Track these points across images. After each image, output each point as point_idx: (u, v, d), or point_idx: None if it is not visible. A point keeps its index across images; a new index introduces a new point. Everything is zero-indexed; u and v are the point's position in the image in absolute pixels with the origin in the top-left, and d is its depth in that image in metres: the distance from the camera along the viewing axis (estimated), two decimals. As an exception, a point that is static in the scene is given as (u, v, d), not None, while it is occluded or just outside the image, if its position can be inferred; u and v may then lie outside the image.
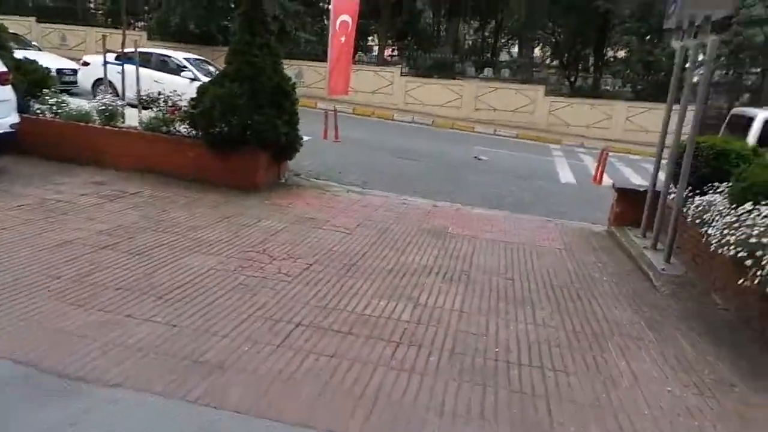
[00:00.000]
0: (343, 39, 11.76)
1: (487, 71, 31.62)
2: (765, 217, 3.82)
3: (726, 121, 12.31)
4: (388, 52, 34.36)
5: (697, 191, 5.51)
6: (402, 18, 29.98)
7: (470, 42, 41.77)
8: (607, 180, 11.67)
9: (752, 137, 10.61)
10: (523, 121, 20.05)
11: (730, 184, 5.22)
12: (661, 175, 6.32)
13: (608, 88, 25.25)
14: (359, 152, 11.54)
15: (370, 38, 36.35)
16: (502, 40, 40.08)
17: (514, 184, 10.26)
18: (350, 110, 19.17)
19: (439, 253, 5.37)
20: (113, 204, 5.69)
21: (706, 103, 5.10)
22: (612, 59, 27.44)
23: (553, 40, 29.53)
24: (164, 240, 4.78)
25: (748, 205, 4.08)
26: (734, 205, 4.30)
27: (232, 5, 22.92)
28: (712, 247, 4.13)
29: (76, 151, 6.98)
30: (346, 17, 11.72)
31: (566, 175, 12.41)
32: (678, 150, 5.70)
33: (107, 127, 7.03)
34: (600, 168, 11.80)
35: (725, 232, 3.93)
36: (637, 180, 12.82)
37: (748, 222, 3.80)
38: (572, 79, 26.00)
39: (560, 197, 9.56)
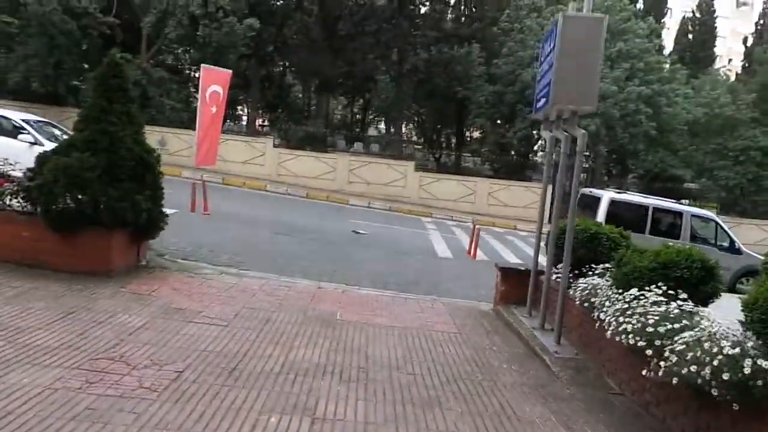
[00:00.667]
0: (214, 109, 11.22)
1: (357, 145, 32.67)
2: (654, 303, 3.93)
3: (578, 200, 13.65)
4: (258, 122, 34.10)
5: (576, 271, 5.72)
6: (272, 91, 30.09)
7: (339, 116, 43.27)
8: (480, 254, 12.16)
9: (601, 215, 11.83)
10: (395, 194, 20.62)
11: (608, 266, 5.51)
12: (540, 256, 6.53)
13: (469, 165, 27.28)
14: (232, 227, 10.72)
15: (239, 107, 35.90)
16: (370, 116, 42.09)
17: (396, 260, 10.15)
18: (220, 180, 18.22)
19: (330, 345, 4.83)
20: None
21: (579, 186, 5.35)
22: (470, 139, 29.96)
23: (417, 119, 31.50)
24: (-22, 351, 3.67)
25: (634, 291, 4.19)
26: (620, 291, 4.41)
27: (85, 65, 21.23)
28: (608, 334, 4.14)
29: None
30: (216, 88, 11.26)
31: (442, 249, 12.68)
32: (557, 232, 5.90)
33: None
34: (473, 243, 12.24)
35: (620, 319, 3.96)
36: (507, 253, 13.54)
37: (639, 309, 3.87)
38: (437, 155, 27.72)
39: (441, 273, 9.59)
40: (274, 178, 20.53)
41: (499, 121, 30.28)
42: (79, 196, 5.30)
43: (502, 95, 25.36)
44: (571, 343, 5.47)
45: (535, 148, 25.74)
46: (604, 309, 4.39)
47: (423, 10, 22.13)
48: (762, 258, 12.66)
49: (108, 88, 5.58)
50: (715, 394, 3.00)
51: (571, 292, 5.46)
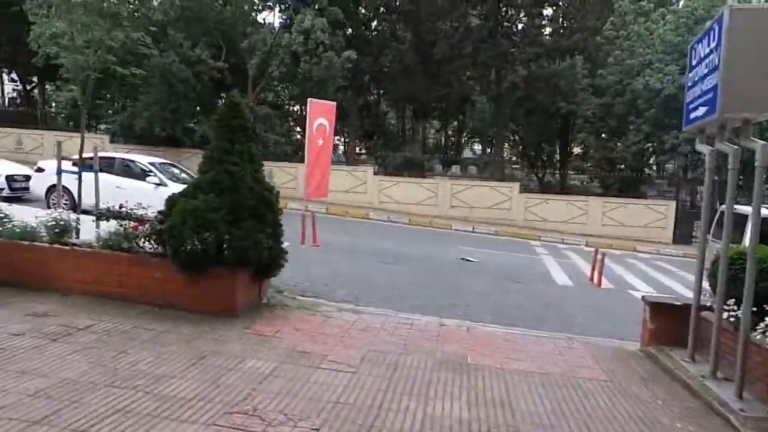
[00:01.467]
0: (320, 142, 11.31)
1: (454, 168, 32.21)
2: None
3: (716, 218, 12.11)
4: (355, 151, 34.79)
5: (754, 309, 4.78)
6: (369, 119, 30.58)
7: (434, 140, 43.13)
8: (604, 281, 11.09)
9: (747, 236, 10.34)
10: (500, 217, 19.80)
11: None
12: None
13: (575, 183, 25.72)
14: (342, 258, 10.63)
15: (336, 137, 36.96)
16: (465, 138, 41.50)
17: (514, 290, 9.46)
18: (324, 210, 18.50)
19: (469, 396, 4.33)
20: (57, 346, 4.49)
21: (759, 205, 4.48)
22: (576, 155, 28.33)
23: (517, 138, 30.41)
24: (121, 402, 3.60)
25: None
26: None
27: (198, 108, 22.79)
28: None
29: (14, 271, 5.82)
30: (323, 120, 11.36)
31: (560, 276, 11.74)
32: (727, 262, 5.01)
33: (56, 246, 5.93)
34: (598, 269, 11.19)
35: None
36: (633, 279, 12.31)
37: None
38: (540, 175, 26.45)
39: (566, 305, 8.75)
40: (376, 205, 20.55)
41: (604, 135, 28.49)
42: (205, 237, 5.29)
43: (609, 107, 23.77)
44: (756, 397, 4.53)
45: (650, 161, 23.69)
46: (820, 362, 3.50)
47: (520, 26, 21.39)
48: None
49: (230, 129, 5.61)
50: None
51: (754, 335, 4.54)
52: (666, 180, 24.32)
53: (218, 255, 5.53)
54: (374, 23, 24.43)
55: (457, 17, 20.84)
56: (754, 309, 4.76)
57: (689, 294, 11.26)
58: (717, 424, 4.23)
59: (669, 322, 5.89)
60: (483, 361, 5.23)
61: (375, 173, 21.80)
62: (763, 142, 4.50)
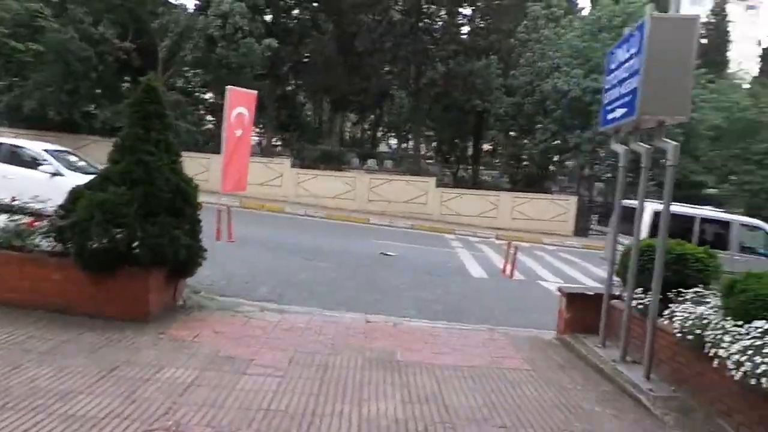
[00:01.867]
0: (239, 132, 10.79)
1: (371, 162, 32.36)
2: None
3: (616, 212, 13.04)
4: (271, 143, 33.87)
5: (660, 297, 5.16)
6: (286, 110, 29.85)
7: (350, 134, 43.03)
8: (517, 274, 11.58)
9: (644, 228, 11.22)
10: (417, 211, 20.13)
11: (700, 291, 4.95)
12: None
13: (487, 178, 26.76)
14: (261, 254, 10.25)
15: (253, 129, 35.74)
16: (380, 132, 41.82)
17: (434, 284, 9.60)
18: (238, 203, 17.80)
19: (402, 395, 4.29)
20: (-70, 361, 3.89)
21: (669, 202, 4.82)
22: (487, 152, 29.46)
23: (433, 133, 31.07)
24: (18, 427, 3.16)
25: (761, 323, 3.64)
26: (740, 323, 3.86)
27: (99, 90, 21.06)
28: (737, 375, 3.57)
29: None
30: (242, 110, 10.83)
31: (476, 269, 12.11)
32: (638, 253, 5.36)
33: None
34: (510, 261, 11.67)
35: (757, 359, 3.40)
36: (541, 270, 12.96)
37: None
38: (454, 170, 27.23)
39: (483, 297, 9.02)
40: (293, 199, 20.13)
41: (513, 133, 29.87)
42: (116, 234, 4.82)
43: (520, 106, 24.95)
44: (662, 378, 4.88)
45: (555, 159, 25.17)
46: (723, 345, 3.82)
47: (440, 23, 21.79)
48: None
49: (145, 115, 5.15)
50: None
51: (660, 321, 4.90)
52: (567, 176, 25.96)
53: (129, 253, 5.07)
54: (296, 11, 23.79)
55: (380, 11, 20.83)
56: (660, 297, 5.15)
57: (591, 283, 12.10)
58: (630, 405, 4.51)
59: (583, 311, 6.23)
60: (412, 357, 5.22)
61: (292, 166, 21.34)
62: (674, 143, 4.83)
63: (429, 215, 20.15)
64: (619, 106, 5.37)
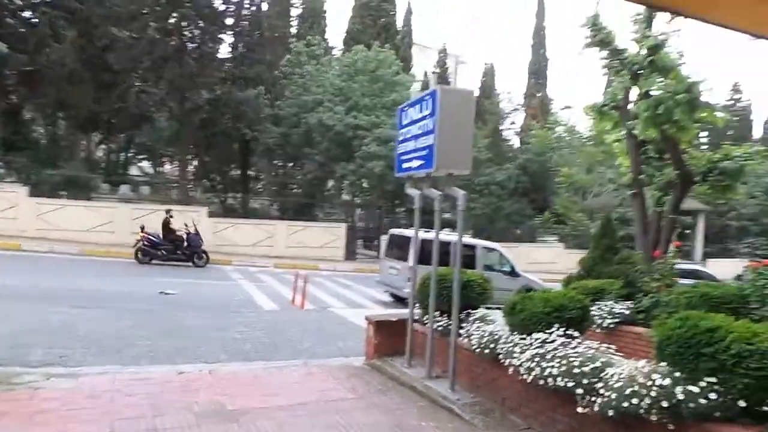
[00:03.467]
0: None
1: (124, 188, 29.25)
2: (561, 345, 4.51)
3: (388, 239, 14.58)
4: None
5: (446, 317, 6.19)
6: (11, 127, 24.89)
7: (96, 157, 38.01)
8: (307, 303, 11.98)
9: (412, 254, 12.85)
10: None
11: (481, 313, 6.07)
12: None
13: (257, 206, 26.72)
14: (13, 307, 8.51)
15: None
16: (131, 155, 38.06)
17: (231, 321, 9.35)
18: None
19: (250, 445, 4.24)
20: None
21: (461, 237, 5.84)
22: (257, 179, 29.46)
23: (199, 160, 29.63)
24: None
25: (539, 335, 4.74)
26: (523, 335, 4.93)
27: None
28: (528, 378, 4.57)
29: None
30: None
31: (265, 301, 12.14)
32: (437, 281, 6.27)
33: None
34: (301, 292, 12.01)
35: (543, 365, 4.42)
36: (327, 296, 13.64)
37: (560, 353, 4.40)
38: (222, 198, 26.47)
39: (287, 330, 9.15)
40: (33, 234, 16.96)
41: (279, 162, 30.60)
42: None
43: (287, 137, 25.76)
44: (463, 387, 5.80)
45: (323, 188, 26.65)
46: (515, 355, 4.82)
47: (207, 50, 21.12)
48: (533, 279, 15.21)
49: None
50: (655, 419, 3.59)
51: (461, 340, 5.84)
52: (335, 204, 27.72)
53: None
54: (28, 14, 20.19)
55: (137, 28, 19.18)
56: (447, 317, 6.14)
57: (371, 304, 13.28)
58: (446, 416, 5.26)
59: (389, 335, 6.95)
60: (243, 404, 5.13)
61: (30, 195, 17.98)
62: (463, 191, 5.87)
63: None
64: (415, 158, 6.24)
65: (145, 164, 43.37)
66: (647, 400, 3.60)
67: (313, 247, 21.21)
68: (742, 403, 3.32)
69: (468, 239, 14.31)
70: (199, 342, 7.65)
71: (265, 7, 28.17)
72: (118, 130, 27.99)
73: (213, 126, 22.99)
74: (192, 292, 12.12)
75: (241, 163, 27.33)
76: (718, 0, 2.39)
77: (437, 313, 6.34)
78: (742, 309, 5.84)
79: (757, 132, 47.98)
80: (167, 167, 43.78)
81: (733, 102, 45.72)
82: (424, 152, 5.95)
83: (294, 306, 11.89)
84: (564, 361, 4.30)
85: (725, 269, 26.16)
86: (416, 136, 6.18)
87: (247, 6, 24.31)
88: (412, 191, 6.81)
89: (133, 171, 40.37)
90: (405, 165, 6.57)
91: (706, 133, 26.82)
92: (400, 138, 6.74)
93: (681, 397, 3.48)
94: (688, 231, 26.41)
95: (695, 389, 3.43)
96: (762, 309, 5.45)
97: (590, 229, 28.43)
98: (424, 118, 5.97)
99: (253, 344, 7.84)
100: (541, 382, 4.43)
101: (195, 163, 28.71)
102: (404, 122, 6.63)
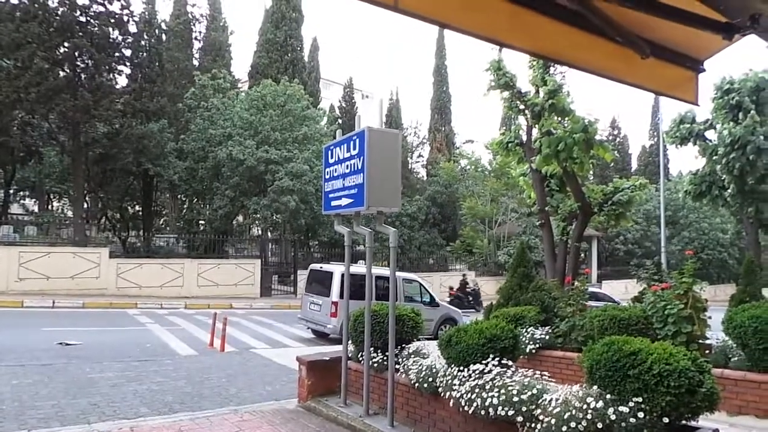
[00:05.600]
0: None
1: (6, 229, 26.50)
2: (498, 375, 4.73)
3: (308, 275, 14.39)
4: None
5: (380, 352, 6.28)
6: None
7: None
8: (227, 346, 11.46)
9: (335, 288, 12.81)
10: (87, 287, 17.53)
11: (418, 346, 6.20)
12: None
13: (162, 244, 25.29)
14: None
15: None
16: (12, 192, 34.60)
17: (147, 370, 8.73)
18: None
19: (191, 507, 3.98)
20: None
21: (394, 272, 5.98)
22: (161, 216, 27.92)
23: (96, 197, 27.62)
24: None
25: (477, 366, 4.93)
26: (461, 367, 5.10)
27: None
28: (469, 410, 4.72)
29: None
30: None
31: (180, 346, 11.45)
32: (369, 318, 6.32)
33: None
34: (220, 333, 11.48)
35: (484, 395, 4.60)
36: (244, 336, 13.14)
37: (498, 382, 4.61)
38: (123, 237, 24.77)
39: (209, 377, 8.68)
40: None
41: (183, 198, 29.29)
42: None
43: (194, 171, 24.84)
44: (402, 422, 5.85)
45: (234, 223, 25.83)
46: (455, 387, 4.97)
47: (102, 81, 19.89)
48: (452, 308, 15.74)
49: None
50: (592, 441, 3.87)
51: (398, 375, 5.91)
52: (246, 240, 26.93)
53: None
54: None
55: (23, 57, 17.71)
56: (380, 352, 6.21)
57: (292, 342, 13.00)
58: (389, 455, 5.27)
59: (322, 376, 6.85)
60: (177, 463, 4.81)
61: None
62: (393, 229, 6.03)
63: (103, 290, 17.78)
64: (344, 197, 6.30)
65: (29, 202, 39.63)
66: (584, 423, 3.87)
67: (226, 285, 20.40)
68: (665, 420, 3.68)
69: (386, 271, 14.51)
70: (114, 397, 7.05)
71: (164, 38, 27.27)
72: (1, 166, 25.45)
73: (112, 161, 21.61)
74: (96, 341, 11.16)
75: (143, 200, 25.86)
76: (588, 52, 2.79)
77: (372, 348, 6.38)
78: (645, 329, 6.50)
79: (633, 164, 53.69)
80: (55, 205, 40.30)
81: (613, 137, 50.86)
82: (353, 191, 6.04)
83: (212, 349, 11.32)
84: (503, 390, 4.51)
85: (618, 289, 28.68)
86: (344, 175, 6.27)
87: (146, 39, 23.44)
88: (341, 228, 6.86)
89: (16, 209, 36.74)
90: (334, 203, 6.60)
91: (592, 167, 29.60)
92: (327, 176, 6.79)
93: (613, 417, 3.78)
94: (583, 256, 28.65)
95: (625, 409, 3.76)
96: (664, 329, 6.08)
97: (497, 257, 30.03)
98: (352, 157, 6.08)
99: (175, 395, 7.36)
100: (483, 412, 4.60)
101: (88, 200, 26.70)
102: (330, 161, 6.70)
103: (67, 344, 10.60)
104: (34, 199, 37.99)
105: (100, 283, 17.89)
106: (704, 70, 3.06)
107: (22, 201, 38.56)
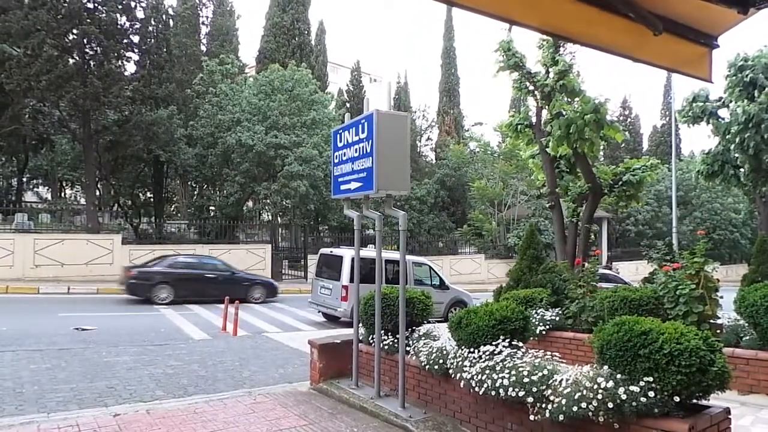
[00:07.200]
0: None
1: (20, 217, 26.86)
2: (508, 356, 4.76)
3: (318, 259, 14.46)
4: None
5: (390, 334, 6.33)
6: None
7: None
8: (240, 330, 11.60)
9: (345, 272, 12.86)
10: (101, 273, 17.76)
11: (429, 329, 6.23)
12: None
13: (174, 231, 25.49)
14: None
15: None
16: (25, 180, 34.99)
17: (162, 354, 8.88)
18: None
19: (208, 486, 4.07)
20: None
21: (404, 256, 5.99)
22: (172, 202, 28.11)
23: (108, 184, 27.84)
24: None
25: (487, 348, 4.96)
26: (471, 349, 5.13)
27: None
28: (480, 391, 4.76)
29: None
30: None
31: (194, 331, 11.61)
32: (380, 301, 6.35)
33: None
34: (232, 318, 11.62)
35: (494, 376, 4.63)
36: (257, 321, 13.28)
37: (509, 363, 4.63)
38: (135, 223, 24.99)
39: (223, 360, 8.81)
40: None
41: (193, 184, 29.43)
42: None
43: (203, 158, 24.91)
44: (413, 404, 5.92)
45: (244, 209, 25.94)
46: (465, 369, 5.00)
47: (113, 68, 19.95)
48: (461, 290, 15.74)
49: None
50: (602, 420, 3.89)
51: (409, 357, 5.95)
52: (256, 225, 27.04)
53: None
54: None
55: (32, 45, 17.76)
56: (391, 335, 6.26)
57: (303, 326, 13.11)
58: (401, 434, 5.34)
59: (334, 358, 6.92)
60: (193, 443, 4.91)
61: None
62: (402, 212, 6.03)
63: (116, 276, 17.98)
64: (354, 180, 6.29)
65: (42, 190, 40.05)
66: (594, 403, 3.89)
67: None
68: (676, 399, 3.69)
69: (396, 255, 14.54)
70: (130, 380, 7.19)
71: (171, 24, 27.16)
72: (14, 154, 25.70)
73: (122, 148, 21.72)
74: (111, 326, 11.36)
75: (154, 186, 26.02)
76: (598, 28, 2.74)
77: (383, 331, 6.43)
78: (656, 310, 6.48)
79: (644, 145, 53.01)
80: (68, 192, 40.71)
81: (624, 117, 50.19)
82: (362, 174, 6.03)
83: (225, 333, 11.47)
84: (514, 372, 4.53)
85: (628, 270, 28.58)
86: (353, 159, 6.26)
87: (154, 24, 23.38)
88: (350, 212, 6.87)
89: (30, 197, 37.15)
90: (343, 187, 6.60)
91: (602, 148, 29.28)
92: (336, 160, 6.78)
93: (624, 397, 3.80)
94: (594, 237, 28.49)
95: (636, 389, 3.77)
96: (675, 309, 6.06)
97: (507, 240, 29.96)
98: (360, 140, 6.06)
99: (190, 378, 7.49)
100: (493, 393, 4.63)
101: (100, 187, 26.93)
102: (339, 145, 6.68)
103: (83, 329, 10.81)
104: (47, 187, 38.43)
105: (113, 269, 18.10)
106: (718, 46, 3.00)
107: (35, 189, 39.01)
